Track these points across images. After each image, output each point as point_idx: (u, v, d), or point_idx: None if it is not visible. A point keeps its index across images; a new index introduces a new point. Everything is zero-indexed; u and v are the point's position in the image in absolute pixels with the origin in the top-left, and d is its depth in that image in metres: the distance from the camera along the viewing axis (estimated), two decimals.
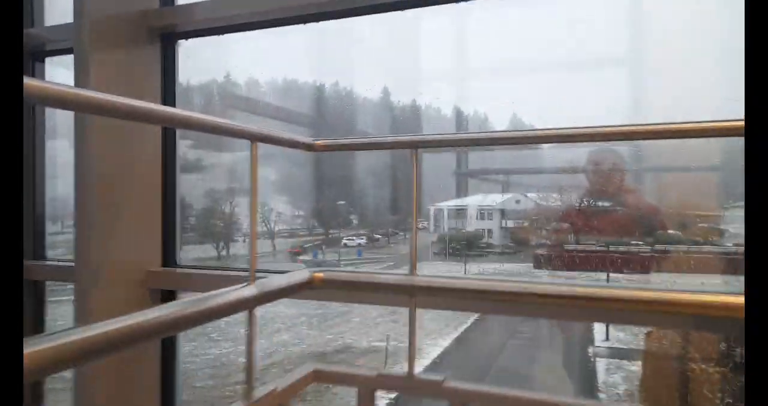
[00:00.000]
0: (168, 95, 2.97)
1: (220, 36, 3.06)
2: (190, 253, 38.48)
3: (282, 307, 23.97)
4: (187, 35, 3.04)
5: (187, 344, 18.96)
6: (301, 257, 45.18)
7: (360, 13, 2.64)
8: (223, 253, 45.26)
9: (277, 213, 46.91)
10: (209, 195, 49.68)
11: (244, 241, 47.24)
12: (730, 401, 9.26)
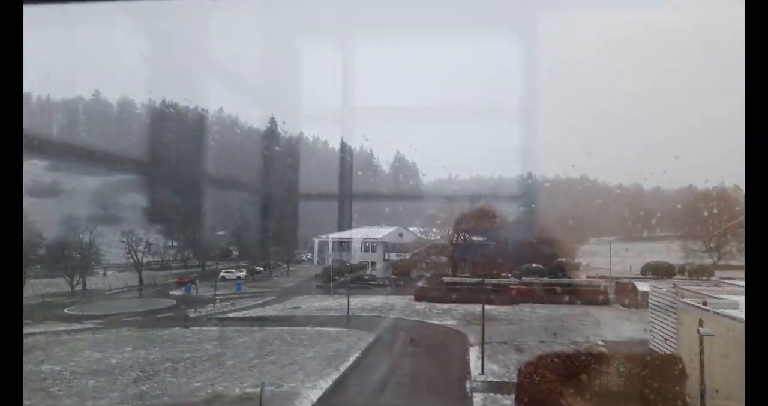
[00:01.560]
0: None
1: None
2: (37, 288, 33.38)
3: (144, 352, 21.53)
4: None
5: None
6: (172, 292, 41.29)
7: None
8: (78, 287, 39.93)
9: (147, 244, 42.67)
10: (66, 222, 44.09)
11: (104, 274, 42.24)
12: None
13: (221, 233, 50.05)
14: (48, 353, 21.46)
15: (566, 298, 33.06)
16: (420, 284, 40.38)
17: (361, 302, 33.27)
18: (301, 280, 46.94)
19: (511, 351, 20.65)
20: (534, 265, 46.37)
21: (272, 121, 58.32)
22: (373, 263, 48.45)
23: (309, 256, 54.91)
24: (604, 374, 15.59)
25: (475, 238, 44.15)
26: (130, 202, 52.29)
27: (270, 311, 33.00)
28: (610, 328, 24.91)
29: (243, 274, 46.30)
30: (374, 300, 34.91)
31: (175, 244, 50.27)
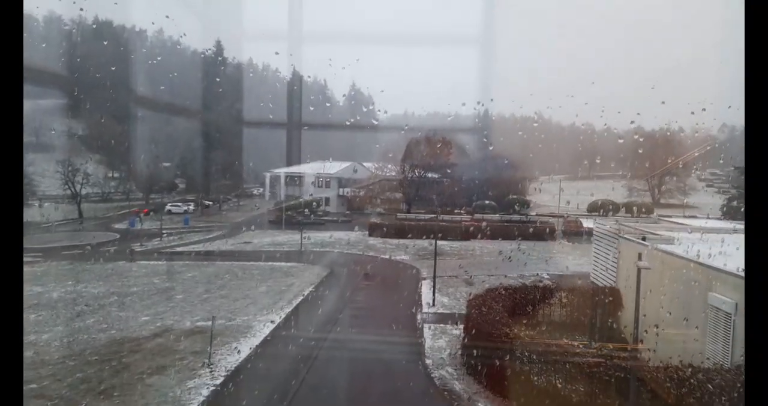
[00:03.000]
0: None
1: None
2: None
3: (88, 286, 20.71)
4: None
5: None
6: (116, 225, 39.77)
7: None
8: None
9: (85, 174, 40.33)
10: None
11: (39, 206, 40.00)
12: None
13: (166, 164, 47.67)
14: None
15: (516, 234, 34.26)
16: (373, 219, 40.68)
17: (315, 238, 33.19)
18: (252, 215, 46.14)
19: (461, 285, 21.32)
20: (486, 202, 47.62)
21: (218, 44, 54.39)
22: (327, 199, 48.09)
23: (260, 190, 53.71)
24: (549, 305, 16.37)
25: (429, 174, 44.40)
26: (64, 128, 48.51)
27: (220, 245, 32.42)
28: (556, 262, 26.11)
29: (191, 208, 44.91)
30: (327, 235, 34.91)
31: (116, 175, 47.68)
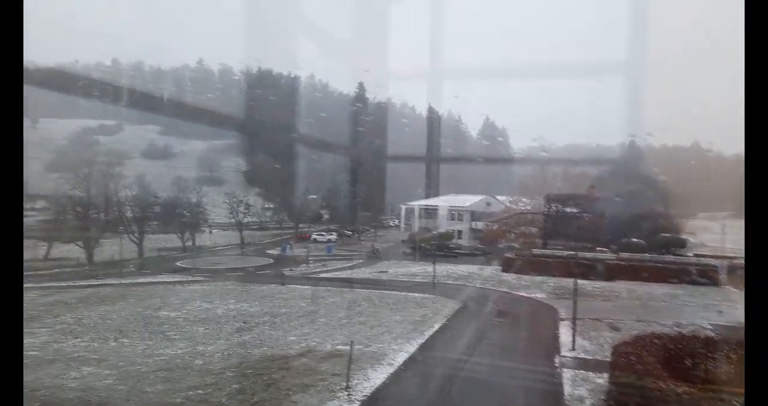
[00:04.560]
0: None
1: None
2: (154, 242, 37.15)
3: (246, 305, 23.36)
4: None
5: (140, 343, 18.22)
6: (270, 251, 43.98)
7: None
8: (188, 243, 43.73)
9: (246, 205, 45.54)
10: (177, 183, 47.97)
11: (210, 232, 45.78)
12: None
13: (313, 196, 52.09)
14: (164, 301, 23.98)
15: (670, 276, 30.75)
16: (508, 254, 39.57)
17: (447, 270, 33.37)
18: (388, 245, 47.93)
19: (605, 329, 19.75)
20: (634, 239, 43.52)
21: (360, 86, 58.59)
22: (460, 232, 48.12)
23: (396, 222, 55.77)
24: (712, 360, 14.40)
25: (568, 209, 42.16)
26: (232, 165, 55.93)
27: (358, 273, 34.20)
28: (720, 311, 22.92)
29: (333, 237, 48.23)
30: (460, 269, 34.84)
31: (271, 206, 53.29)
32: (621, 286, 30.88)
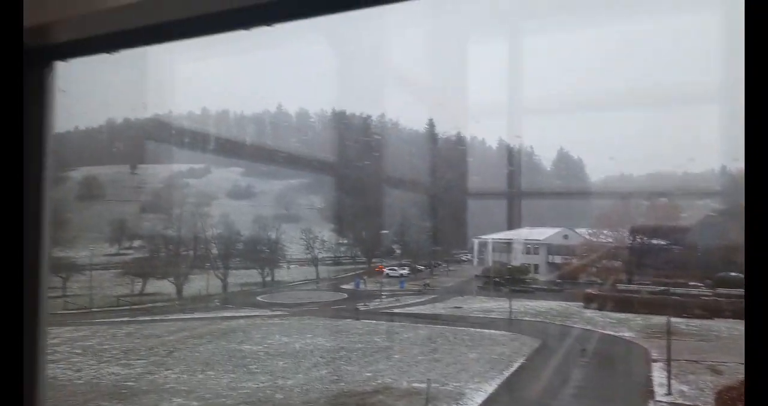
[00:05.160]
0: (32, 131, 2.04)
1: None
2: (237, 278, 39.06)
3: (322, 340, 23.81)
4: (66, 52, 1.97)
5: (225, 376, 19.05)
6: (343, 286, 44.72)
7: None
8: (268, 278, 45.48)
9: (321, 241, 46.90)
10: (257, 221, 50.54)
11: (288, 267, 47.41)
12: None
13: (385, 231, 52.78)
14: (246, 335, 25.02)
15: None
16: (590, 290, 37.54)
17: (524, 306, 32.19)
18: (461, 280, 47.14)
19: (705, 372, 18.06)
20: (732, 274, 39.69)
21: (430, 122, 59.60)
22: (536, 266, 46.40)
23: (469, 256, 54.93)
24: None
25: (655, 241, 39.50)
26: (307, 203, 58.26)
27: (432, 309, 33.84)
28: None
29: (406, 271, 48.26)
30: (538, 304, 33.49)
31: (345, 241, 54.56)
32: (720, 324, 28.18)
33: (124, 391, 16.10)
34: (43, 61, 1.90)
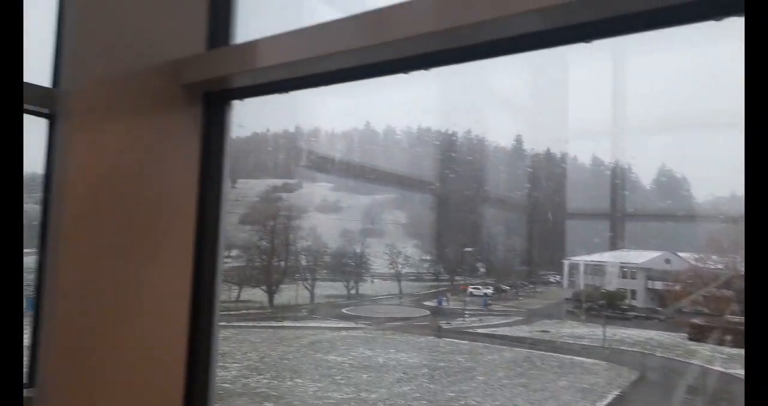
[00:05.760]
0: (211, 162, 2.67)
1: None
2: (323, 290, 40.64)
3: (405, 356, 23.89)
4: (242, 93, 2.47)
5: (312, 385, 19.70)
6: (425, 303, 44.79)
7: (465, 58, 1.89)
8: (353, 291, 46.69)
9: (405, 257, 47.42)
10: (344, 235, 52.22)
11: (371, 281, 48.38)
12: None
13: (468, 249, 52.06)
14: (332, 345, 25.75)
15: None
16: (695, 320, 34.27)
17: (620, 334, 30.13)
18: (549, 302, 45.12)
19: None
20: None
21: (518, 138, 58.27)
22: (633, 292, 43.23)
23: (558, 278, 52.55)
24: None
25: None
26: (391, 218, 59.14)
27: (517, 331, 32.72)
28: None
29: (490, 291, 47.12)
30: (635, 333, 31.17)
31: (427, 258, 54.51)
32: None
33: (221, 392, 17.23)
34: (224, 101, 2.45)
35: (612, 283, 47.20)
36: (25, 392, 2.28)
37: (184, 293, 2.53)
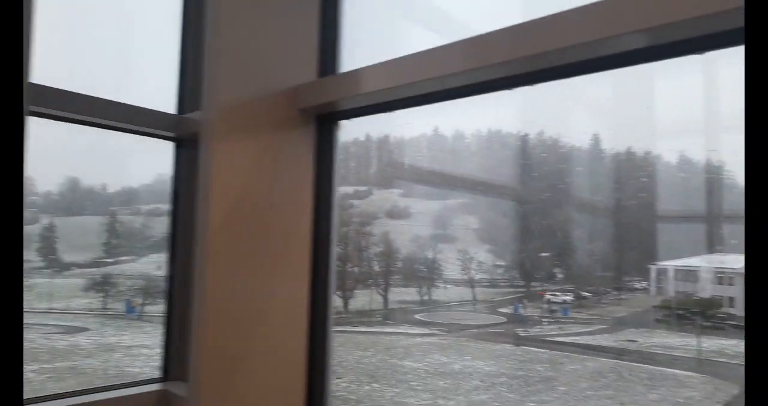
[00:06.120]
0: (323, 176, 2.97)
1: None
2: (396, 295, 40.99)
3: (482, 363, 23.49)
4: (348, 115, 2.87)
5: (389, 390, 19.86)
6: (501, 309, 43.98)
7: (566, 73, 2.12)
8: (425, 297, 46.74)
9: (478, 262, 46.81)
10: (415, 241, 52.42)
11: (444, 287, 48.18)
12: None
13: (545, 254, 50.32)
14: (407, 351, 25.86)
15: None
16: None
17: (717, 345, 27.73)
18: (635, 310, 42.54)
19: None
20: None
21: (595, 137, 55.61)
22: (731, 299, 39.79)
23: (644, 284, 49.46)
24: None
25: None
26: (463, 223, 58.53)
27: (601, 340, 31.07)
28: None
29: (569, 298, 45.22)
30: (734, 344, 28.61)
31: (502, 263, 53.31)
32: None
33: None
34: (333, 122, 2.85)
35: (706, 289, 43.66)
36: (160, 386, 2.60)
37: (303, 300, 2.80)
